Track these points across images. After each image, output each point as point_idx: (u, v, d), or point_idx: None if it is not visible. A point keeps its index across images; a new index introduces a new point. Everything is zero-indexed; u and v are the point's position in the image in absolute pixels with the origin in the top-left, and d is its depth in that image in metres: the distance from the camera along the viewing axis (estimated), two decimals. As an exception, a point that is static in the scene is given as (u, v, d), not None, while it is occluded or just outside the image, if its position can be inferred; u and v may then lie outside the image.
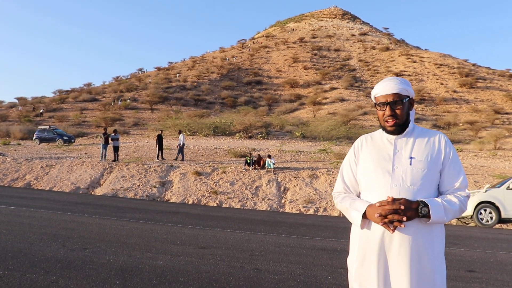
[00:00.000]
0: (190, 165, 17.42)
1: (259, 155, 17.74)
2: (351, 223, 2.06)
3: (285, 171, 16.51)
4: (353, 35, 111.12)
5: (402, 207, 1.78)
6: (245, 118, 34.68)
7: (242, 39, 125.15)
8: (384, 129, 2.02)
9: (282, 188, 14.99)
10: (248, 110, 45.78)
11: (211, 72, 78.77)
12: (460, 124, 43.40)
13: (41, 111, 49.06)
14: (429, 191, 1.91)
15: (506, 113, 50.44)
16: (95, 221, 8.21)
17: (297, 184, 15.18)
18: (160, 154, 19.45)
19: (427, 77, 71.43)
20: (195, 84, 70.35)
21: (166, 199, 14.22)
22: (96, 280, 4.18)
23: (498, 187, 11.77)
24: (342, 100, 57.59)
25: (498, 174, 16.85)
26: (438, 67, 76.07)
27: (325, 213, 12.99)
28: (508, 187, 11.44)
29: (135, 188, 14.76)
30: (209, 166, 17.06)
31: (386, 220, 1.81)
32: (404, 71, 74.29)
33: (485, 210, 11.38)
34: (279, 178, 15.72)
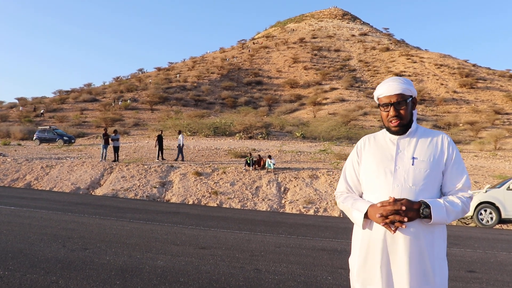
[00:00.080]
0: (190, 165, 17.42)
1: (259, 155, 17.74)
2: (352, 224, 2.06)
3: (285, 171, 16.51)
4: (353, 35, 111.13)
5: (404, 207, 1.78)
6: (245, 119, 34.68)
7: (242, 40, 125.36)
8: (388, 129, 2.02)
9: (282, 189, 14.99)
10: (248, 111, 45.79)
11: (211, 73, 78.80)
12: (460, 125, 43.40)
13: (42, 111, 49.07)
14: (432, 192, 1.91)
15: (506, 114, 50.42)
16: (95, 221, 8.21)
17: (297, 185, 15.18)
18: (160, 155, 19.45)
19: (427, 77, 71.44)
20: (195, 84, 70.38)
21: (166, 200, 14.22)
22: (96, 280, 4.18)
23: (498, 187, 11.76)
24: (342, 100, 57.59)
25: (498, 175, 16.85)
26: (438, 68, 76.08)
27: (325, 213, 12.98)
28: (508, 187, 11.43)
29: (135, 189, 14.77)
30: (209, 167, 17.06)
31: (387, 220, 1.81)
32: (404, 72, 74.30)
33: (485, 211, 11.38)
34: (279, 179, 15.72)
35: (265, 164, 16.72)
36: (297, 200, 14.00)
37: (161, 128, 31.63)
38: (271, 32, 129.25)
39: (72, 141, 29.89)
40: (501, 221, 11.54)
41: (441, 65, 77.68)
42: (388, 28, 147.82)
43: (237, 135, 32.81)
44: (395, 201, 1.81)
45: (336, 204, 13.33)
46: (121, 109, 51.09)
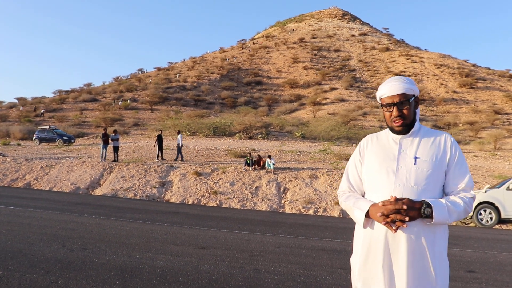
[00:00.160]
0: (190, 165, 17.42)
1: (259, 155, 17.74)
2: (352, 224, 2.06)
3: (285, 171, 16.51)
4: (353, 35, 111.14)
5: (405, 206, 1.78)
6: (245, 119, 34.67)
7: (242, 40, 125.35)
8: (392, 129, 2.02)
9: (282, 189, 14.99)
10: (248, 111, 45.78)
11: (211, 73, 78.78)
12: (460, 125, 43.41)
13: (42, 111, 49.04)
14: (434, 192, 1.91)
15: (506, 114, 50.44)
16: (95, 221, 8.21)
17: (297, 185, 15.18)
18: (160, 155, 19.45)
19: (427, 77, 71.46)
20: (195, 84, 70.36)
21: (166, 200, 14.21)
22: (95, 280, 4.17)
23: (498, 187, 11.77)
24: (342, 100, 57.60)
25: (498, 175, 16.85)
26: (438, 68, 76.10)
27: (325, 213, 12.98)
28: (508, 187, 11.44)
29: (135, 189, 14.76)
30: (209, 167, 17.06)
31: (388, 219, 1.81)
32: (404, 72, 74.29)
33: (485, 211, 11.39)
34: (279, 179, 15.72)
35: (264, 164, 16.71)
36: (296, 200, 14.00)
37: (161, 128, 31.61)
38: (271, 32, 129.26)
39: (72, 141, 29.88)
40: (501, 221, 11.54)
41: (441, 65, 77.71)
42: (388, 28, 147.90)
43: (236, 135, 32.80)
44: (397, 200, 1.81)
45: (335, 204, 13.33)
46: (120, 109, 51.07)
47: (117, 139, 18.79)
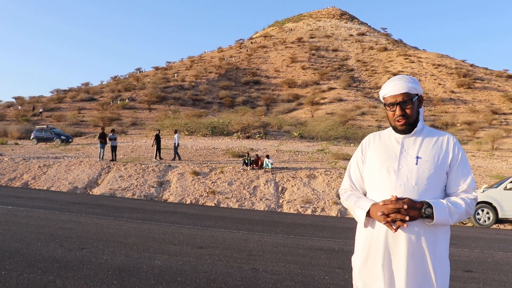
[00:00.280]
0: (188, 165, 17.40)
1: (257, 155, 17.74)
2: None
3: (283, 171, 16.51)
4: (351, 35, 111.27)
5: (405, 206, 1.77)
6: (243, 118, 34.67)
7: (240, 39, 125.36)
8: (394, 128, 2.02)
9: (280, 188, 14.99)
10: (246, 110, 45.78)
11: (209, 72, 78.71)
12: (458, 125, 43.51)
13: (40, 110, 48.89)
14: (435, 192, 1.90)
15: (504, 114, 50.59)
16: (93, 221, 8.19)
17: (295, 184, 15.19)
18: (158, 154, 19.43)
19: (425, 77, 71.61)
20: (193, 84, 70.27)
21: (164, 199, 14.20)
22: (93, 280, 4.16)
23: (496, 187, 11.80)
24: (340, 100, 57.63)
25: (496, 175, 16.91)
26: (436, 68, 76.26)
27: (323, 213, 12.99)
28: (506, 187, 11.47)
29: (133, 188, 14.74)
30: (207, 166, 17.05)
31: (388, 219, 1.81)
32: (402, 72, 74.36)
33: (482, 210, 11.42)
34: (277, 178, 15.72)
35: (262, 164, 16.72)
36: (294, 199, 14.01)
37: (159, 127, 31.57)
38: (269, 31, 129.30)
39: (70, 140, 29.79)
40: (498, 221, 11.58)
41: (439, 65, 77.88)
42: (386, 28, 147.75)
43: (235, 134, 32.79)
44: (398, 199, 1.80)
45: (333, 204, 13.35)
46: (118, 109, 50.96)
47: (115, 139, 18.76)
